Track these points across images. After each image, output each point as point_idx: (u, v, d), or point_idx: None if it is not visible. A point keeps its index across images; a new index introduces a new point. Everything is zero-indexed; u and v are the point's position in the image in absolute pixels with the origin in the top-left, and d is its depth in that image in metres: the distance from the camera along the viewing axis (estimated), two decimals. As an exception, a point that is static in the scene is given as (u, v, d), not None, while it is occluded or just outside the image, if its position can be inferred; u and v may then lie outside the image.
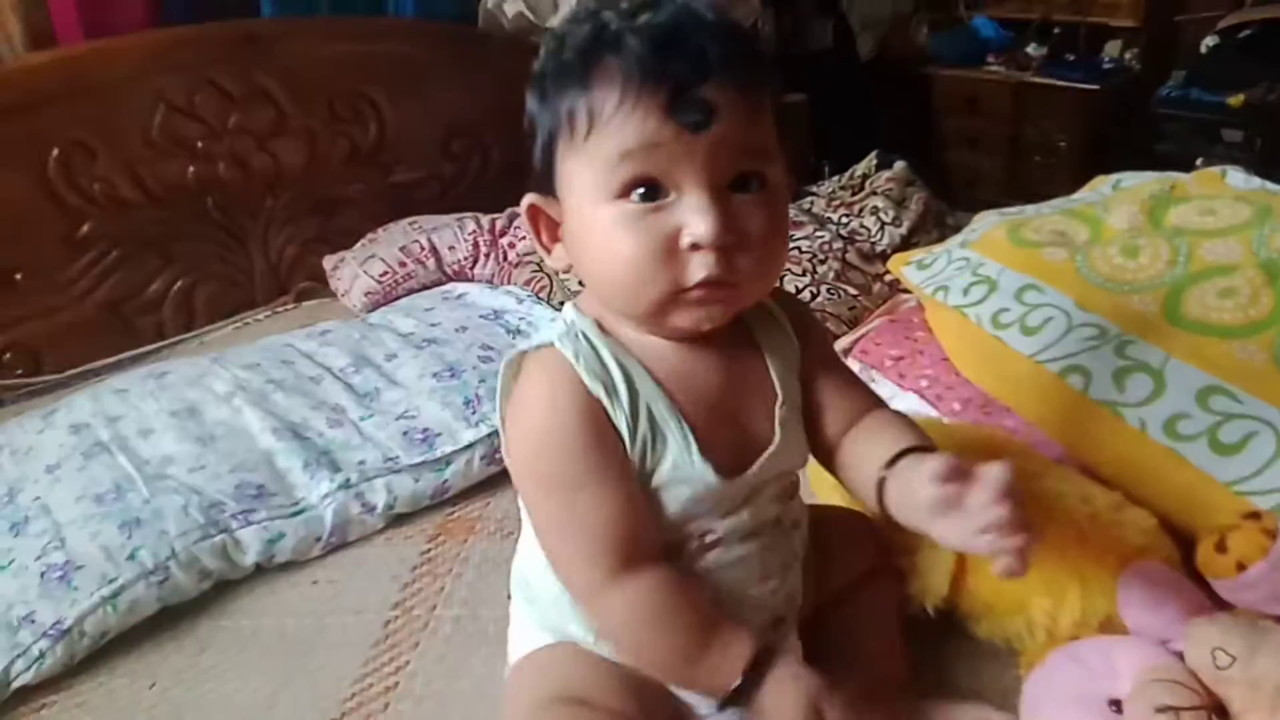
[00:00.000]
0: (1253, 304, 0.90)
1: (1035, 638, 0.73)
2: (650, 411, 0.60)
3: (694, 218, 0.55)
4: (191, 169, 1.51)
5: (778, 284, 0.73)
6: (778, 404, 0.64)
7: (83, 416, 1.15)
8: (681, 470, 0.60)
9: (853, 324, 1.28)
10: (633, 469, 0.60)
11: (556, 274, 1.41)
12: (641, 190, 0.55)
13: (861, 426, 0.67)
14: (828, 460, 0.69)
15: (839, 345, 1.23)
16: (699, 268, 0.56)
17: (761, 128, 0.57)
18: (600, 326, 0.62)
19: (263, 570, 1.00)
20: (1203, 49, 2.45)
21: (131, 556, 0.93)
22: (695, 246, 0.55)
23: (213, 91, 1.50)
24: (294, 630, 0.92)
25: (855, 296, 1.30)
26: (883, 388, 1.17)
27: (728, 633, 0.60)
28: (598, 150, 0.55)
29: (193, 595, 0.95)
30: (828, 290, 1.29)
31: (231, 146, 1.54)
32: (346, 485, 1.04)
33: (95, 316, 1.48)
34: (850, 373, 0.73)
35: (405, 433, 1.11)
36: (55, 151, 1.39)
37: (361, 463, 1.06)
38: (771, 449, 0.63)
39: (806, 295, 1.27)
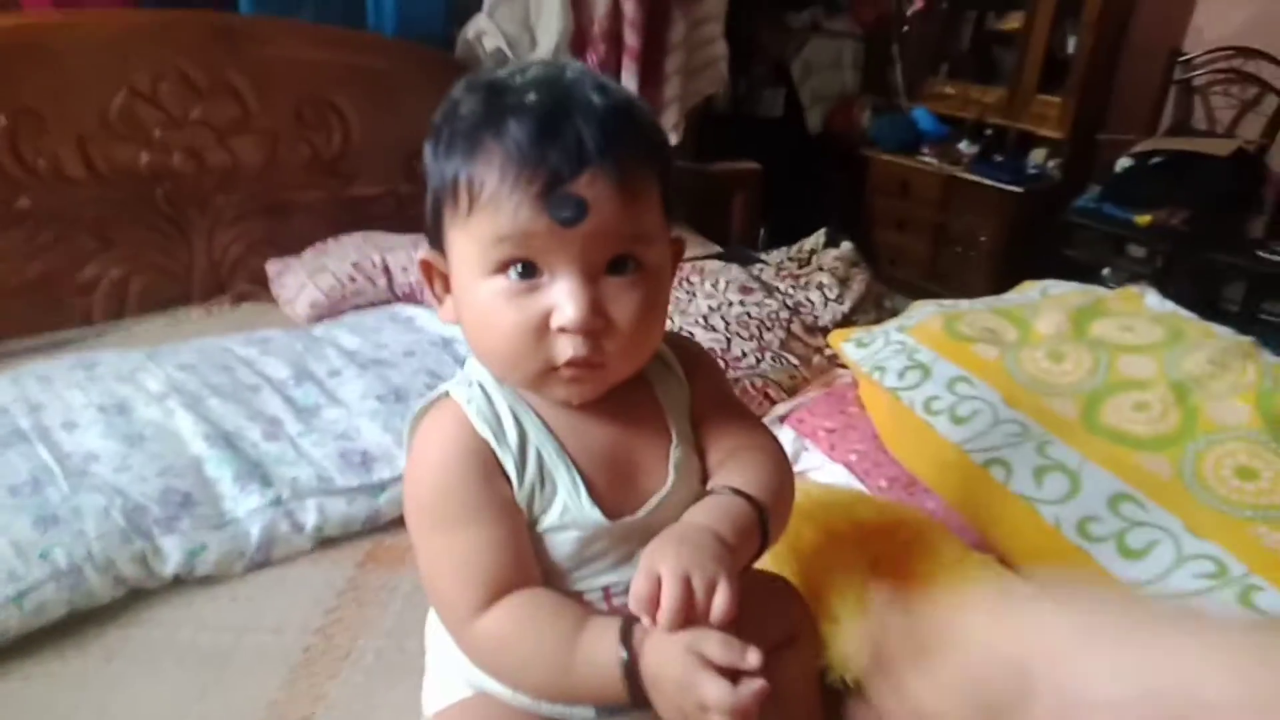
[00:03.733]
0: (1162, 419, 0.98)
1: (950, 716, 0.76)
2: (540, 455, 0.62)
3: (563, 301, 0.56)
4: (145, 156, 1.47)
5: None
6: (671, 446, 0.66)
7: (2, 401, 1.09)
8: (570, 513, 0.61)
9: (792, 392, 1.32)
10: (519, 511, 0.61)
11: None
12: (518, 268, 0.57)
13: (723, 464, 0.69)
14: None
15: (776, 412, 1.27)
16: (566, 348, 0.58)
17: (642, 212, 0.58)
18: (498, 378, 0.64)
19: (181, 581, 0.96)
20: (1118, 168, 2.64)
21: (44, 555, 0.89)
22: (563, 329, 0.57)
23: (179, 80, 1.47)
24: (209, 645, 0.89)
25: (796, 366, 1.35)
26: (814, 457, 1.21)
27: (597, 625, 0.59)
28: (477, 229, 0.57)
29: (105, 601, 0.92)
30: (771, 357, 1.33)
31: (191, 138, 1.50)
32: (277, 502, 1.02)
33: (21, 292, 1.42)
34: (737, 410, 0.74)
35: (343, 454, 1.09)
36: (1, 118, 1.34)
37: (294, 479, 1.04)
38: (664, 490, 0.65)
39: (752, 360, 1.32)
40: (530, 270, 0.57)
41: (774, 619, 0.76)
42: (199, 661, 0.87)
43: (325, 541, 1.04)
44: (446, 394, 0.65)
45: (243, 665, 0.87)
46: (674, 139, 1.86)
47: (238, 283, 1.61)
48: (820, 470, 1.20)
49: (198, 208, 1.55)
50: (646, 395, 0.68)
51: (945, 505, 1.05)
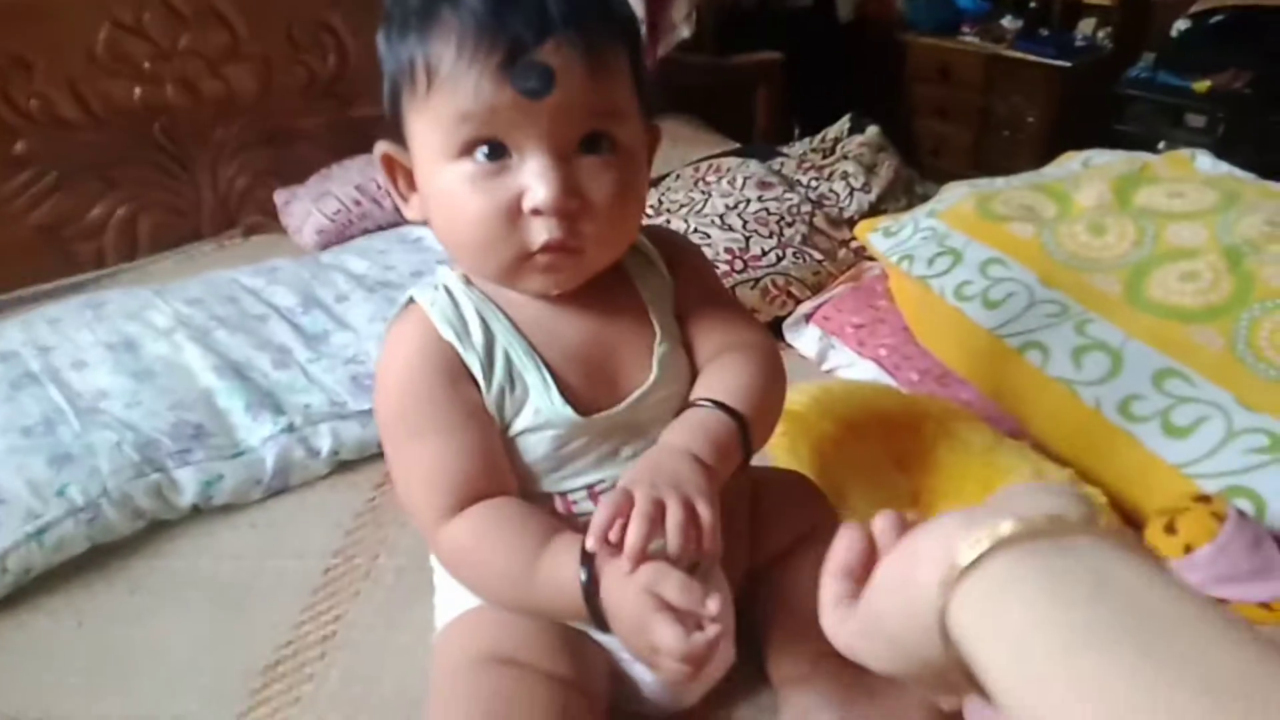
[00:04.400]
0: (1213, 289, 0.90)
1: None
2: (508, 356, 0.60)
3: (534, 182, 0.53)
4: (138, 90, 1.44)
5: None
6: (655, 341, 0.64)
7: (12, 345, 1.10)
8: (543, 414, 0.60)
9: (817, 289, 1.26)
10: (488, 415, 0.60)
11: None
12: (485, 150, 0.54)
13: (711, 363, 0.65)
14: None
15: (801, 310, 1.22)
16: (540, 232, 0.55)
17: (613, 86, 0.55)
18: (468, 280, 0.62)
19: (200, 512, 0.96)
20: (1174, 32, 2.46)
21: (60, 493, 0.89)
22: (536, 211, 0.54)
23: (162, 9, 1.42)
24: (230, 573, 0.89)
25: (820, 262, 1.29)
26: (842, 354, 1.17)
27: (562, 541, 0.57)
28: (438, 109, 0.54)
29: (125, 535, 0.92)
30: (793, 254, 1.27)
31: (181, 69, 1.46)
32: (290, 429, 1.00)
33: (31, 240, 1.42)
34: (726, 305, 0.71)
35: (354, 377, 1.08)
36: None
37: (307, 406, 1.03)
38: (646, 384, 0.62)
39: (773, 258, 1.26)
40: (497, 150, 0.53)
41: (793, 516, 0.74)
42: (221, 590, 0.87)
43: (342, 465, 1.03)
44: (412, 300, 0.62)
45: (265, 591, 0.87)
46: (685, 31, 1.76)
47: (247, 215, 1.59)
48: (850, 368, 1.15)
49: (198, 141, 1.52)
50: (626, 289, 0.65)
51: (980, 395, 1.00)
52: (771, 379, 0.66)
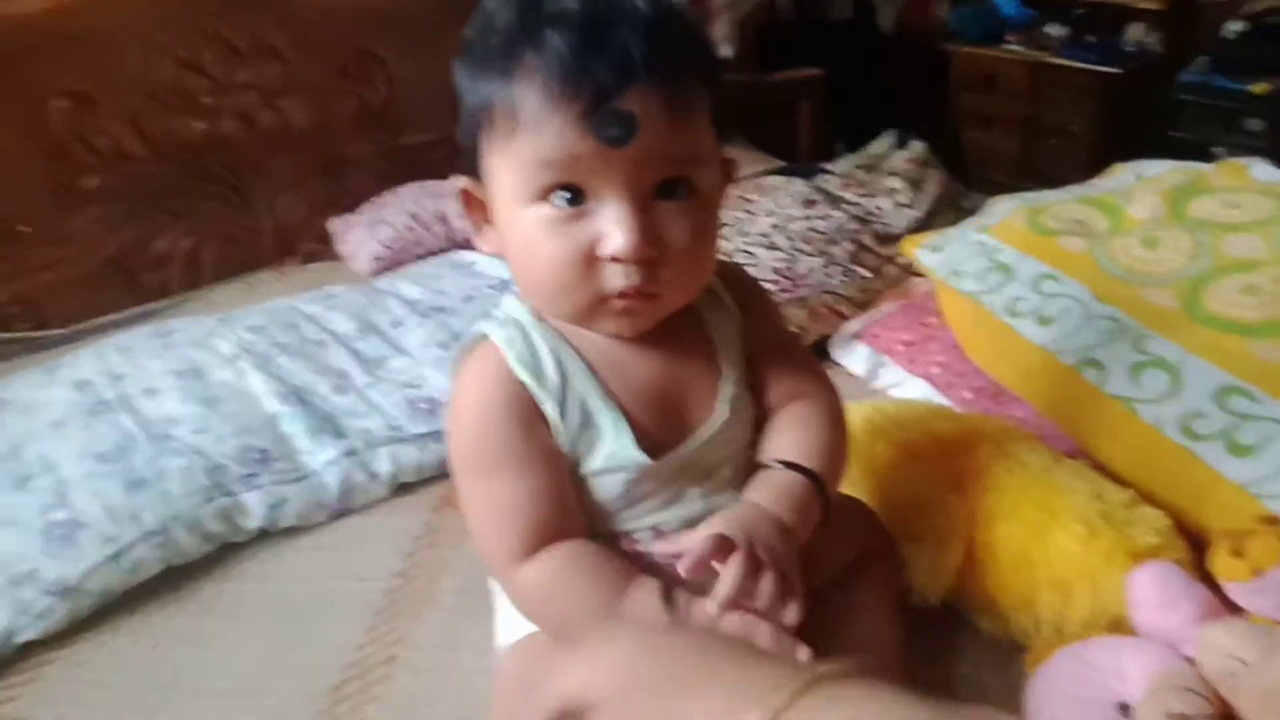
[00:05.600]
0: (1275, 301, 0.88)
1: (1042, 635, 0.72)
2: (583, 400, 0.59)
3: (613, 229, 0.53)
4: (197, 125, 1.49)
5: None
6: (724, 381, 0.63)
7: (87, 374, 1.14)
8: (616, 457, 0.59)
9: (864, 307, 1.26)
10: (560, 456, 0.59)
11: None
12: (565, 196, 0.53)
13: (778, 415, 0.66)
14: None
15: (849, 329, 1.22)
16: (618, 278, 0.54)
17: (694, 132, 0.55)
18: (538, 314, 0.61)
19: (267, 534, 0.99)
20: (1227, 34, 2.40)
21: (135, 517, 0.93)
22: (615, 259, 0.54)
23: (219, 45, 1.48)
24: (297, 596, 0.92)
25: (868, 279, 1.29)
26: (892, 373, 1.16)
27: (641, 585, 0.57)
28: (518, 153, 0.53)
29: (196, 557, 0.95)
30: (841, 272, 1.27)
31: (238, 102, 1.51)
32: (351, 453, 1.03)
33: (100, 271, 1.47)
34: (793, 350, 0.71)
35: (410, 401, 1.10)
36: (53, 102, 1.36)
37: (366, 430, 1.06)
38: (715, 426, 0.62)
39: (820, 276, 1.26)
40: (577, 196, 0.53)
41: (849, 539, 0.74)
42: (287, 611, 0.90)
43: (401, 488, 1.05)
44: (485, 336, 0.62)
45: (328, 612, 0.89)
46: (727, 51, 1.77)
47: (304, 243, 1.63)
48: (900, 387, 1.15)
49: (255, 172, 1.57)
50: (694, 327, 0.64)
51: (1035, 413, 0.99)
52: (840, 436, 0.67)
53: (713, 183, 0.58)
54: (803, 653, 0.51)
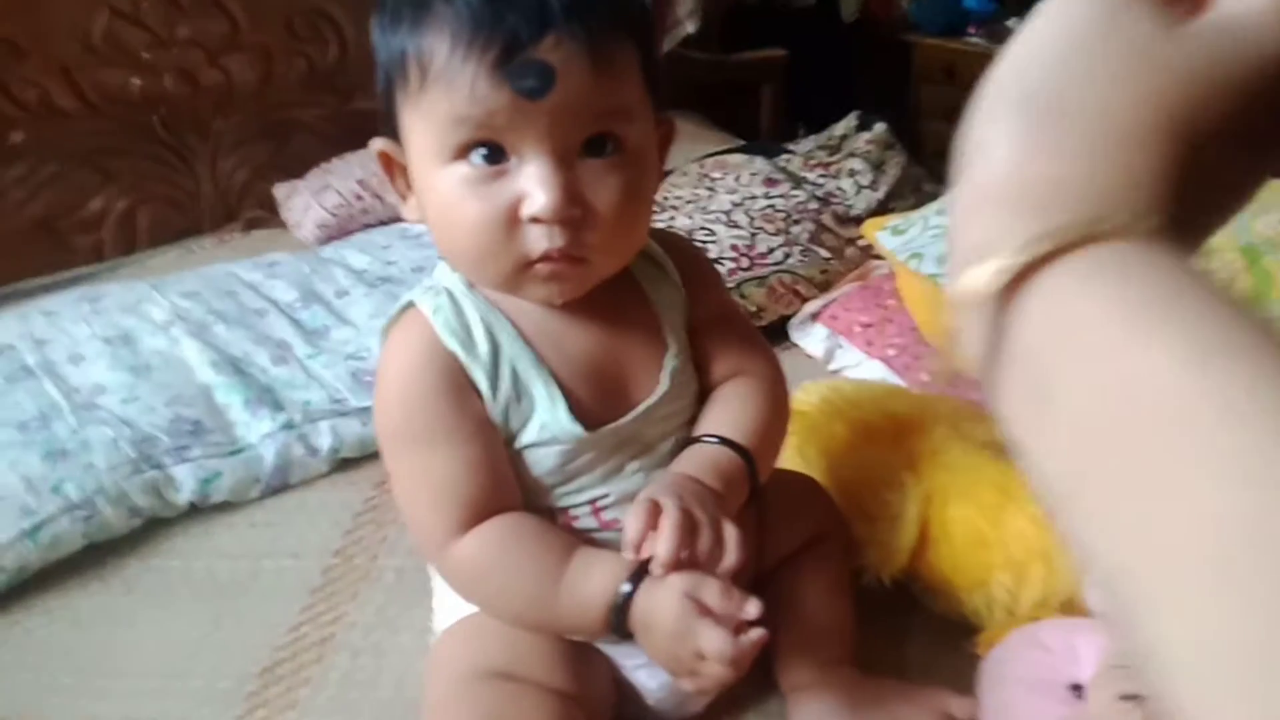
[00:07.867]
0: (1230, 285, 0.89)
1: (995, 616, 0.71)
2: (514, 369, 0.57)
3: (534, 188, 0.50)
4: (135, 80, 1.42)
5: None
6: (667, 354, 0.61)
7: (7, 338, 1.09)
8: (549, 429, 0.57)
9: (824, 288, 1.25)
10: (494, 428, 0.57)
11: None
12: (482, 152, 0.51)
13: (719, 390, 0.64)
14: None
15: (808, 309, 1.21)
16: (540, 240, 0.52)
17: (620, 84, 0.52)
18: (469, 282, 0.59)
19: (198, 510, 0.95)
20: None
21: (56, 489, 0.88)
22: (536, 219, 0.51)
23: (160, -4, 1.41)
24: (228, 573, 0.88)
25: (828, 260, 1.27)
26: (850, 354, 1.15)
27: (586, 555, 0.56)
28: (432, 108, 0.51)
29: (121, 533, 0.91)
30: (800, 252, 1.26)
31: (180, 58, 1.45)
32: (289, 426, 0.99)
33: (28, 232, 1.40)
34: (738, 325, 0.69)
35: (354, 374, 1.06)
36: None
37: (306, 403, 1.02)
38: (654, 397, 0.60)
39: (779, 255, 1.24)
40: (495, 154, 0.51)
41: (800, 520, 0.73)
42: (218, 589, 0.86)
43: (343, 463, 1.01)
44: (412, 304, 0.59)
45: (262, 591, 0.86)
46: (690, 27, 1.75)
47: (247, 209, 1.57)
48: (857, 368, 1.14)
49: (197, 133, 1.51)
50: (635, 297, 0.62)
51: (990, 395, 0.98)
52: (779, 414, 0.65)
53: (644, 140, 0.55)
54: (752, 608, 0.50)
